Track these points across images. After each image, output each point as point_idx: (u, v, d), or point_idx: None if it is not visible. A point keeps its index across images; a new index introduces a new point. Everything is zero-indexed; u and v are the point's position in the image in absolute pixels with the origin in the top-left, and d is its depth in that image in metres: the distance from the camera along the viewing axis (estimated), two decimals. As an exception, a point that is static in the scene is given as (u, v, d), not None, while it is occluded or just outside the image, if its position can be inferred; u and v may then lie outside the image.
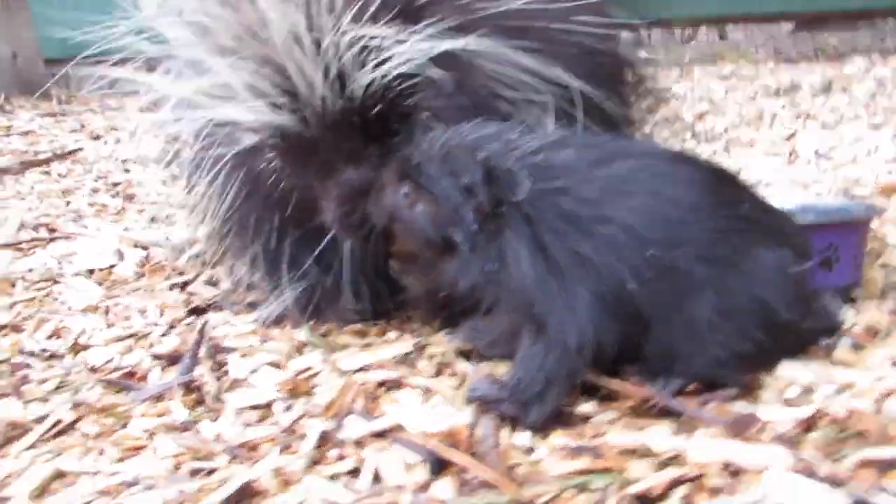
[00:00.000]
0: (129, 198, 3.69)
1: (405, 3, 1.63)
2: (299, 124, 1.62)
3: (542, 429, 1.47)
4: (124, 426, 1.58)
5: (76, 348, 1.96)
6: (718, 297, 1.45)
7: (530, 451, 1.43)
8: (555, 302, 1.43)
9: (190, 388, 1.66)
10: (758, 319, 1.48)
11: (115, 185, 3.97)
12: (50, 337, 2.05)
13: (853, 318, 1.75)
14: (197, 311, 2.15)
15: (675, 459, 1.35)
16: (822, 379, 1.53)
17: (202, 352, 1.80)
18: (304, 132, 1.62)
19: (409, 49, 1.59)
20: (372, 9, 1.58)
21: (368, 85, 1.59)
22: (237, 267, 2.04)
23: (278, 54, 1.58)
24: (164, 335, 2.00)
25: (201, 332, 1.84)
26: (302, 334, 1.88)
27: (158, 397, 1.64)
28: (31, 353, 1.95)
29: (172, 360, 1.80)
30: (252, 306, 2.09)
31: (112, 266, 2.55)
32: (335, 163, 1.65)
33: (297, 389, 1.63)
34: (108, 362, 1.86)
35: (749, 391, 1.52)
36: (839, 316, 1.72)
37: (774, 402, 1.50)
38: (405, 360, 1.73)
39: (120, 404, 1.64)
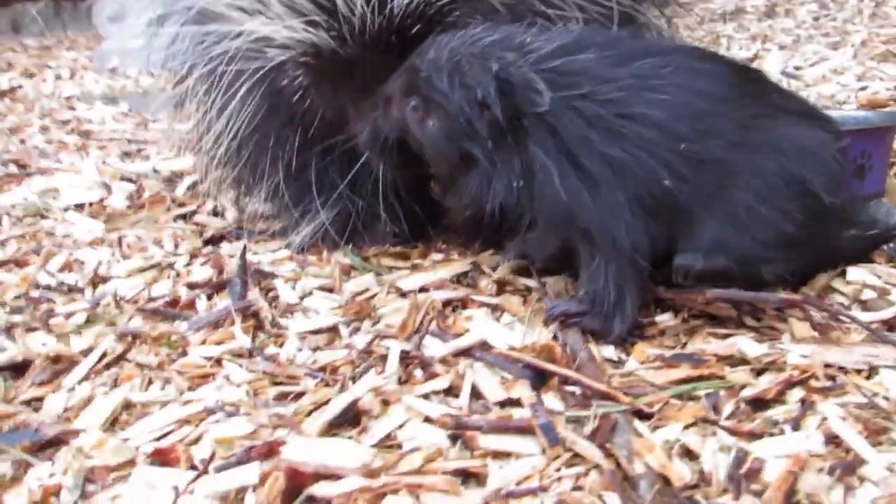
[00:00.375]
0: (85, 134, 3.51)
1: None
2: (336, 43, 1.56)
3: (624, 342, 1.44)
4: (183, 355, 1.50)
5: (95, 281, 1.85)
6: (756, 181, 1.41)
7: (619, 363, 1.40)
8: (595, 212, 1.37)
9: (245, 314, 1.57)
10: (798, 199, 1.43)
11: (65, 122, 3.78)
12: (62, 270, 1.92)
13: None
14: (213, 241, 2.05)
15: (772, 365, 1.34)
16: (893, 281, 1.53)
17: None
18: (341, 51, 1.57)
19: None
20: None
21: (409, 3, 1.53)
22: (257, 193, 1.94)
23: None
24: (188, 265, 1.90)
25: (243, 257, 1.75)
26: (344, 258, 1.81)
27: (216, 324, 1.55)
28: (48, 287, 1.84)
29: (217, 287, 1.71)
30: (272, 234, 2.00)
31: (102, 200, 2.42)
32: (371, 83, 1.58)
33: (361, 312, 1.56)
34: (138, 293, 1.75)
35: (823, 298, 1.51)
36: (893, 220, 1.71)
37: (851, 306, 1.50)
38: (463, 279, 1.68)
39: (172, 333, 1.55)
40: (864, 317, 1.44)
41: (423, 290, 1.63)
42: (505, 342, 1.42)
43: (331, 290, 1.67)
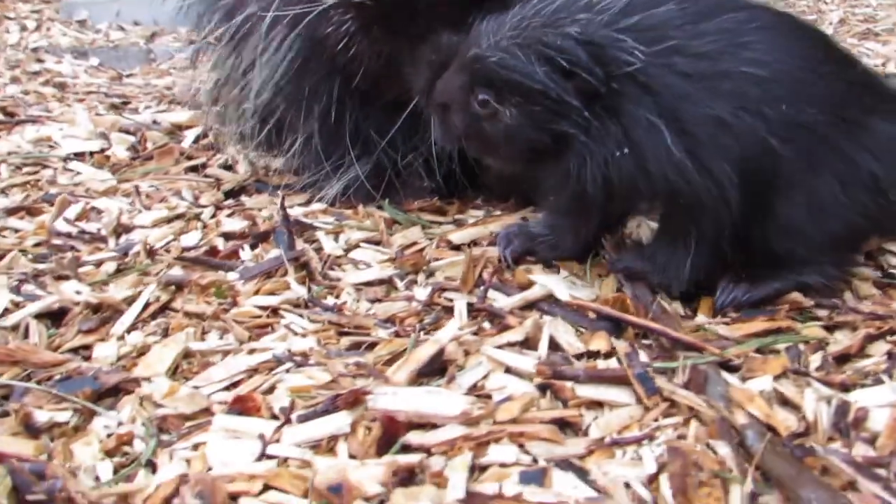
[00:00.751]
0: (60, 86, 3.39)
1: None
2: None
3: (691, 297, 1.43)
4: (234, 305, 1.45)
5: (118, 230, 1.78)
6: (843, 167, 1.34)
7: (687, 317, 1.39)
8: (701, 182, 1.26)
9: (296, 264, 1.53)
10: (870, 195, 1.37)
11: (36, 74, 3.64)
12: (80, 219, 1.85)
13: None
14: (232, 194, 1.99)
15: (846, 324, 1.34)
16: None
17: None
18: None
19: None
20: None
21: None
22: (286, 146, 1.88)
23: None
24: (213, 216, 1.84)
25: (283, 207, 1.70)
26: (381, 212, 1.77)
27: (267, 273, 1.50)
28: (69, 235, 1.76)
29: (261, 237, 1.66)
30: (300, 188, 1.94)
31: (103, 150, 2.33)
32: (432, 28, 1.51)
33: (416, 264, 1.52)
34: (168, 243, 1.70)
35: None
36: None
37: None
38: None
39: (221, 282, 1.50)
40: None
41: (473, 243, 1.59)
42: (571, 295, 1.40)
43: (377, 243, 1.63)
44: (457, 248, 1.59)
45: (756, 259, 1.38)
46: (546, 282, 1.43)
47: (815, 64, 1.35)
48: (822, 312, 1.37)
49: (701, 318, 1.38)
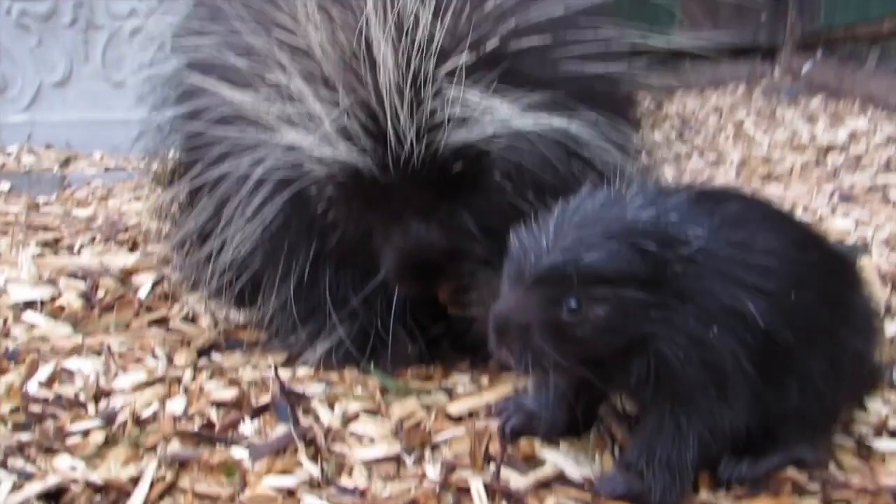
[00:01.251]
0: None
1: (501, 57, 1.60)
2: (378, 170, 1.56)
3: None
4: (246, 484, 1.44)
5: (97, 395, 1.75)
6: (832, 346, 1.43)
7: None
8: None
9: (305, 440, 1.54)
10: (855, 369, 1.50)
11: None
12: (51, 382, 1.81)
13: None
14: (205, 352, 1.98)
15: (841, 500, 1.43)
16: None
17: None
18: (381, 178, 1.57)
19: (508, 117, 1.57)
20: (472, 63, 1.56)
21: (457, 143, 1.56)
22: (262, 304, 1.89)
23: (375, 99, 1.54)
24: (194, 379, 1.83)
25: (278, 377, 1.70)
26: (369, 377, 1.79)
27: (276, 452, 1.50)
28: (46, 401, 1.72)
29: (260, 410, 1.65)
30: (273, 347, 1.95)
31: (54, 299, 2.28)
32: (404, 214, 1.60)
33: (424, 441, 1.55)
34: (155, 412, 1.67)
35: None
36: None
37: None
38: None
39: (229, 460, 1.49)
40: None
41: (472, 415, 1.62)
42: (581, 474, 1.44)
43: (375, 413, 1.65)
44: (457, 419, 1.62)
45: (755, 436, 1.45)
46: (555, 459, 1.48)
47: (806, 249, 1.46)
48: (815, 486, 1.45)
49: (705, 495, 1.44)
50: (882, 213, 3.13)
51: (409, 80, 1.53)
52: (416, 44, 1.53)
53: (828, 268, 1.49)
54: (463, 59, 1.54)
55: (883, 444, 1.57)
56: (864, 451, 1.56)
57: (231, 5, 1.75)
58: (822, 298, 1.42)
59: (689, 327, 1.29)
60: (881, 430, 1.62)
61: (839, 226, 2.93)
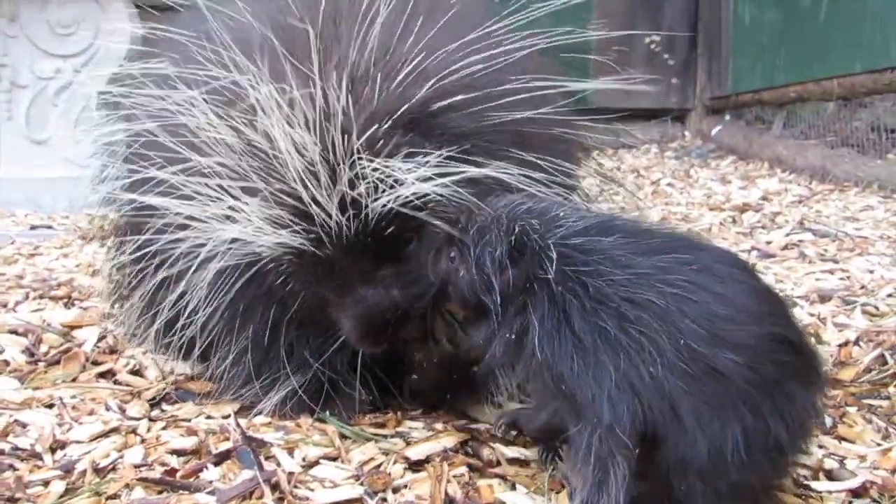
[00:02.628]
0: None
1: (416, 120, 1.65)
2: (314, 245, 1.62)
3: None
4: (213, 529, 1.46)
5: (53, 446, 1.75)
6: (753, 421, 1.39)
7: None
8: (579, 378, 1.41)
9: (270, 485, 1.57)
10: (770, 456, 1.44)
11: None
12: (5, 434, 1.80)
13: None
14: (156, 403, 2.00)
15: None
16: (841, 453, 1.76)
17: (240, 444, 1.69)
18: (320, 253, 1.63)
19: (425, 176, 1.61)
20: (383, 130, 1.61)
21: (382, 207, 1.61)
22: (218, 358, 1.92)
23: (294, 186, 1.59)
24: (149, 430, 1.84)
25: (238, 423, 1.73)
26: (325, 424, 1.83)
27: (243, 496, 1.53)
28: (2, 453, 1.72)
29: (223, 456, 1.67)
30: (223, 397, 1.98)
31: (-4, 355, 2.27)
32: (350, 282, 1.67)
33: (386, 484, 1.60)
34: (114, 461, 1.69)
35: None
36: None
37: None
38: (463, 447, 1.75)
39: (192, 506, 1.52)
40: (834, 486, 1.64)
41: (429, 459, 1.67)
42: (538, 514, 1.50)
43: (335, 458, 1.69)
44: (415, 463, 1.66)
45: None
46: (514, 500, 1.53)
47: (745, 312, 1.44)
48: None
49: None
50: (799, 269, 3.28)
51: (322, 159, 1.58)
52: (324, 122, 1.58)
53: (773, 347, 1.45)
54: (373, 128, 1.59)
55: (821, 485, 1.65)
56: (804, 492, 1.64)
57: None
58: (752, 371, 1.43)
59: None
60: (818, 472, 1.70)
61: (760, 280, 3.06)
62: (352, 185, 1.58)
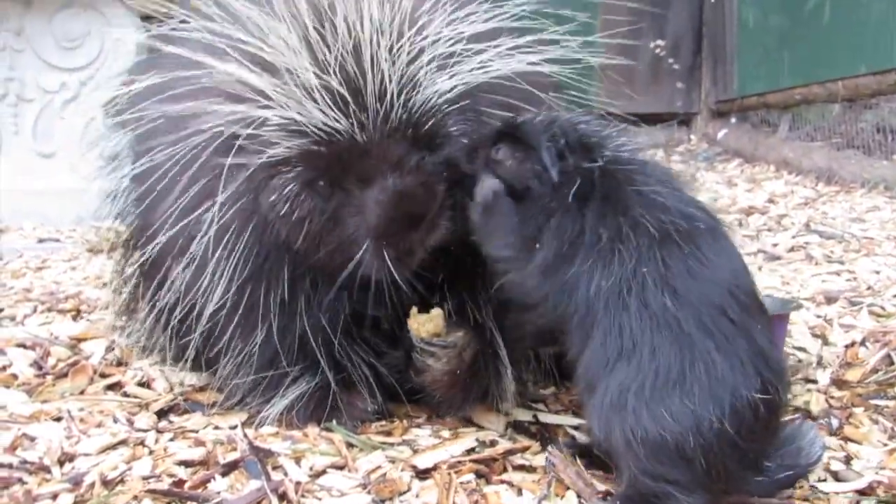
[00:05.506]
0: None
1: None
2: (357, 129, 1.59)
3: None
4: (221, 539, 1.47)
5: (61, 459, 1.76)
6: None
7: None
8: None
9: (277, 495, 1.57)
10: None
11: None
12: (13, 447, 1.81)
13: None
14: (164, 415, 2.01)
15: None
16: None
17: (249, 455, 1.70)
18: (358, 137, 1.60)
19: (491, 60, 1.67)
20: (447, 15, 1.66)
21: (428, 100, 1.62)
22: (226, 362, 1.91)
23: (355, 54, 1.58)
24: (156, 441, 1.85)
25: (245, 434, 1.74)
26: (332, 433, 1.83)
27: (252, 507, 1.54)
28: (10, 466, 1.73)
29: (230, 466, 1.68)
30: (231, 406, 1.98)
31: (5, 368, 2.28)
32: (381, 170, 1.61)
33: (393, 492, 1.60)
34: (122, 473, 1.69)
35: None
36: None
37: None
38: (471, 454, 1.75)
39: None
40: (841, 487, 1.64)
41: (436, 467, 1.68)
42: (546, 518, 1.51)
43: (342, 467, 1.69)
44: (423, 471, 1.66)
45: None
46: (519, 504, 1.54)
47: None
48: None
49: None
50: (805, 271, 3.28)
51: (387, 37, 1.59)
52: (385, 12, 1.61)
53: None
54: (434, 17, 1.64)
55: (827, 486, 1.65)
56: (811, 493, 1.64)
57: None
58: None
59: None
60: (824, 473, 1.69)
61: (766, 283, 3.07)
62: (409, 72, 1.60)
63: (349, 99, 1.57)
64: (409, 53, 1.60)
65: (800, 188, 5.20)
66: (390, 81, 1.58)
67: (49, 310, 2.96)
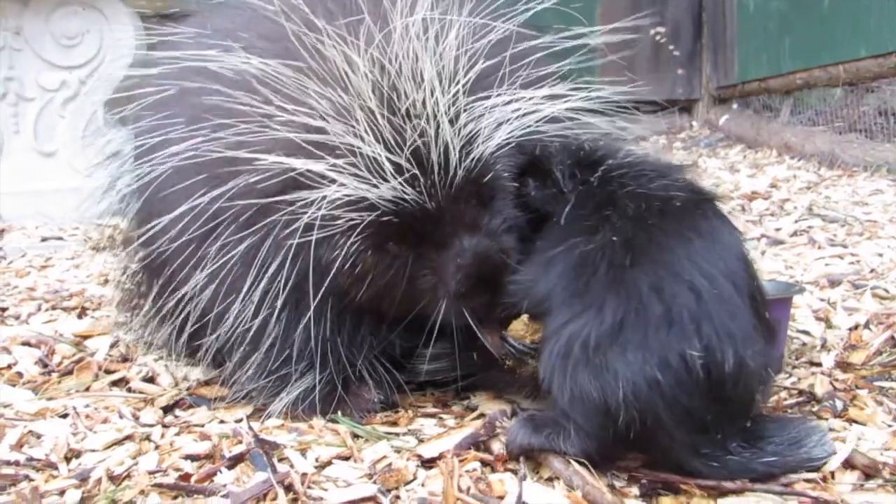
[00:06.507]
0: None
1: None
2: (426, 198, 1.64)
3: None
4: (229, 532, 1.47)
5: (68, 455, 1.77)
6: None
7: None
8: None
9: (283, 486, 1.57)
10: None
11: None
12: (20, 445, 1.82)
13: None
14: (169, 409, 2.01)
15: None
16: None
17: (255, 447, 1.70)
18: (428, 205, 1.64)
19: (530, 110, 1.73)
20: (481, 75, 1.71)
21: (483, 153, 1.68)
22: (237, 361, 1.91)
23: (417, 127, 1.62)
24: (162, 436, 1.85)
25: (251, 426, 1.74)
26: (337, 425, 1.84)
27: (257, 498, 1.54)
28: (18, 464, 1.73)
29: (236, 459, 1.68)
30: (236, 401, 1.99)
31: (10, 366, 2.29)
32: (455, 233, 1.67)
33: (399, 481, 1.60)
34: (129, 468, 1.70)
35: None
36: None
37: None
38: (475, 443, 1.75)
39: (210, 510, 1.52)
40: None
41: (442, 456, 1.68)
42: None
43: (347, 458, 1.69)
44: (428, 460, 1.67)
45: None
46: (526, 492, 1.54)
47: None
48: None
49: None
50: (809, 255, 3.28)
51: (447, 108, 1.63)
52: (447, 78, 1.66)
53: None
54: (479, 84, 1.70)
55: (832, 467, 1.64)
56: (814, 475, 1.63)
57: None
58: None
59: None
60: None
61: (770, 268, 3.07)
62: (468, 132, 1.66)
63: (416, 172, 1.62)
64: (468, 116, 1.67)
65: (802, 172, 5.19)
66: (454, 151, 1.63)
67: (53, 308, 2.97)
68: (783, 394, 1.95)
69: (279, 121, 1.65)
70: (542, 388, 1.61)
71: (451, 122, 1.63)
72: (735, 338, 1.50)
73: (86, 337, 2.51)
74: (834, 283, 2.81)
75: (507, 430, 1.70)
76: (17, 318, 2.86)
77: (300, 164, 1.63)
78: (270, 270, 1.72)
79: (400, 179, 1.61)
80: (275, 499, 1.54)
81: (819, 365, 2.12)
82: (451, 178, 1.63)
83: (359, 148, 1.61)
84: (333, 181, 1.62)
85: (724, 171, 5.56)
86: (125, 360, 2.33)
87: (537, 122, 1.74)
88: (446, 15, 1.69)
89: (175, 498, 1.59)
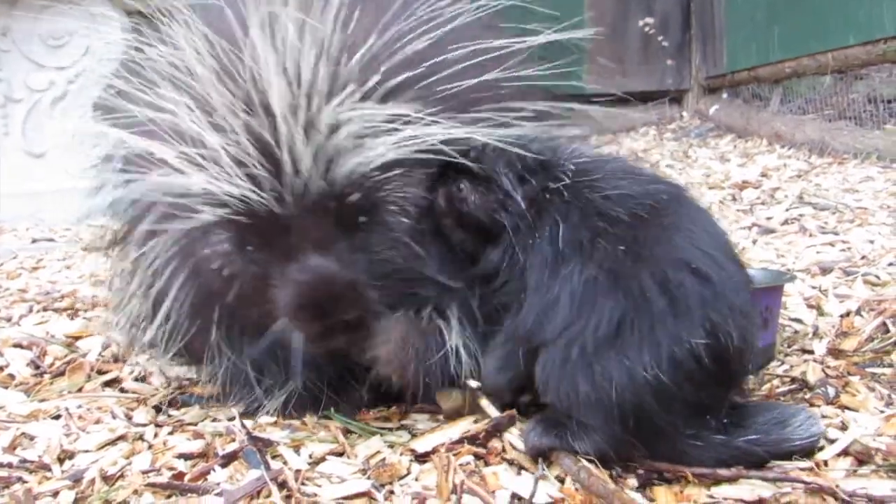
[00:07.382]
0: None
1: (386, 94, 1.63)
2: (274, 202, 1.57)
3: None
4: (223, 530, 1.47)
5: (61, 456, 1.76)
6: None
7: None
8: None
9: (277, 483, 1.57)
10: None
11: None
12: (13, 447, 1.81)
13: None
14: (162, 409, 2.01)
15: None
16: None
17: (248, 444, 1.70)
18: (277, 210, 1.57)
19: (399, 139, 1.60)
20: (365, 90, 1.61)
21: (351, 171, 1.59)
22: (221, 364, 1.91)
23: (270, 128, 1.56)
24: (156, 436, 1.85)
25: (243, 424, 1.74)
26: (330, 421, 1.83)
27: (251, 496, 1.54)
28: (10, 465, 1.73)
29: (229, 457, 1.68)
30: (226, 400, 1.98)
31: (2, 368, 2.29)
32: (302, 248, 1.59)
33: (392, 476, 1.60)
34: (122, 468, 1.69)
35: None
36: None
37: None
38: (468, 435, 1.75)
39: (202, 508, 1.52)
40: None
41: (435, 451, 1.68)
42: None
43: (341, 454, 1.69)
44: (422, 455, 1.67)
45: None
46: (519, 485, 1.54)
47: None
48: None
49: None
50: (800, 243, 3.29)
51: (302, 113, 1.55)
52: (303, 82, 1.57)
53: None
54: (347, 92, 1.58)
55: (824, 454, 1.64)
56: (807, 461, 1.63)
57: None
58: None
59: None
60: (823, 441, 1.69)
61: (761, 256, 3.07)
62: (327, 142, 1.56)
63: (267, 171, 1.55)
64: (326, 125, 1.57)
65: (793, 161, 5.20)
66: (309, 157, 1.55)
67: (45, 309, 2.96)
68: (776, 381, 1.95)
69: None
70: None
71: (309, 126, 1.55)
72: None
73: (77, 338, 2.50)
74: (825, 271, 2.81)
75: (496, 423, 1.69)
76: (9, 320, 2.85)
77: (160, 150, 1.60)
78: (171, 270, 1.75)
79: (241, 173, 1.54)
80: (269, 496, 1.54)
81: (811, 352, 2.12)
82: (305, 187, 1.55)
83: (201, 137, 1.56)
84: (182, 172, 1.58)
85: (715, 160, 5.57)
86: (117, 360, 2.32)
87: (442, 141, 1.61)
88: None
89: (169, 497, 1.58)
